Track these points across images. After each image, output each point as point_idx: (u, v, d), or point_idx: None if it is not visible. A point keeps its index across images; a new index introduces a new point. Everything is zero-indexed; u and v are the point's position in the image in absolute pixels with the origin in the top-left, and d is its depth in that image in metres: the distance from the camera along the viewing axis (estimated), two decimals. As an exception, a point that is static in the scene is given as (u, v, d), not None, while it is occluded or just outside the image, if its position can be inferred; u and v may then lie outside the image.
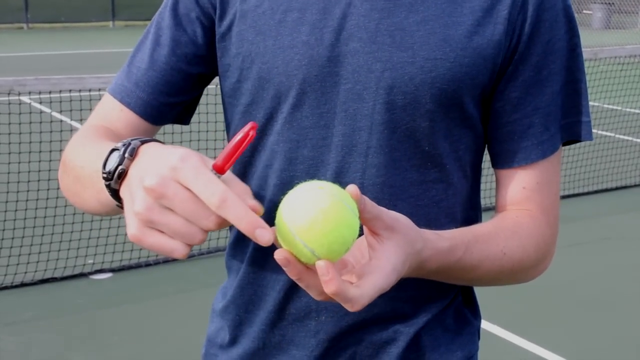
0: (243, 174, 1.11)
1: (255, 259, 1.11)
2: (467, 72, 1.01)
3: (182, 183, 0.76)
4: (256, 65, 1.05)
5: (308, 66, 1.03)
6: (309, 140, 1.05)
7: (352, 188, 0.80)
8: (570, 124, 1.09)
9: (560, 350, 3.69)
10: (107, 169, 0.85)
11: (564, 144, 1.11)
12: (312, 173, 1.05)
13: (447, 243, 0.96)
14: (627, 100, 8.15)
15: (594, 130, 1.24)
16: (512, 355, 3.66)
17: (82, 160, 0.99)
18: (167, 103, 1.11)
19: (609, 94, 7.90)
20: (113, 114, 1.11)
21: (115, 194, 0.86)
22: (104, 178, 0.86)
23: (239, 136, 0.77)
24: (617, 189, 6.51)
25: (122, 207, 0.85)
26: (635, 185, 6.61)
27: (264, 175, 1.08)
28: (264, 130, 1.07)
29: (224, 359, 1.18)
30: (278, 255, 0.79)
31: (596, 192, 6.36)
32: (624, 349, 3.74)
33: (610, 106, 8.25)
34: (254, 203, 0.78)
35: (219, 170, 0.77)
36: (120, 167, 0.84)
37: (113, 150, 0.86)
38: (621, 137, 7.77)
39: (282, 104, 1.05)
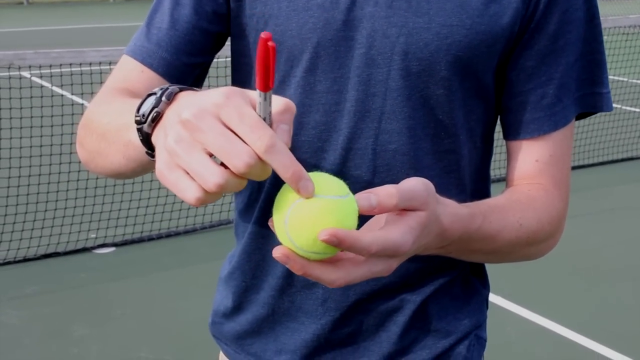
0: None
1: (262, 224, 1.10)
2: (483, 39, 0.99)
3: (224, 121, 0.71)
4: (269, 27, 1.03)
5: (323, 29, 1.01)
6: (321, 105, 1.03)
7: (381, 194, 0.78)
8: (586, 96, 1.07)
9: (564, 320, 3.69)
10: (142, 111, 0.82)
11: (581, 117, 1.09)
12: (324, 138, 1.03)
13: (466, 210, 0.94)
14: (632, 72, 8.10)
15: None
16: (516, 326, 3.66)
17: (109, 117, 0.97)
18: (189, 64, 1.09)
19: (613, 65, 7.84)
20: (133, 75, 1.08)
21: (146, 139, 0.82)
22: (136, 121, 0.82)
23: (260, 54, 0.70)
24: (622, 160, 6.49)
25: (151, 156, 0.83)
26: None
27: None
28: (276, 94, 1.05)
29: (231, 327, 1.17)
30: (276, 253, 0.76)
31: (602, 163, 6.35)
32: (628, 319, 3.74)
33: (616, 77, 8.20)
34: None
35: (264, 89, 0.71)
36: (155, 110, 0.80)
37: (150, 94, 0.83)
38: (627, 108, 7.73)
39: (294, 68, 1.03)
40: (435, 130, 1.03)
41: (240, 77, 1.12)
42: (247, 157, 0.69)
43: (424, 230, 0.83)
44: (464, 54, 0.99)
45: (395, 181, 1.02)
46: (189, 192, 0.72)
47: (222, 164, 0.71)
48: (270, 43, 0.69)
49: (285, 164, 0.71)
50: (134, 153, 0.87)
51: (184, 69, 1.08)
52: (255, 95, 0.73)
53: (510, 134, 1.08)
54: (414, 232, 0.81)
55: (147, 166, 0.92)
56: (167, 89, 0.82)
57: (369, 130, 1.02)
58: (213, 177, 0.70)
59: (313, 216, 0.74)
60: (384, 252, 0.78)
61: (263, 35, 0.69)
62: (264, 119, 0.72)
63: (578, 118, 1.09)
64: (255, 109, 0.72)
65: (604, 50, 1.08)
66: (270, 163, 0.70)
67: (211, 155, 0.71)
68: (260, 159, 0.70)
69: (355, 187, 1.02)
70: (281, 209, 0.76)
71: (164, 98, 0.81)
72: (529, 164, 1.06)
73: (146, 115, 0.81)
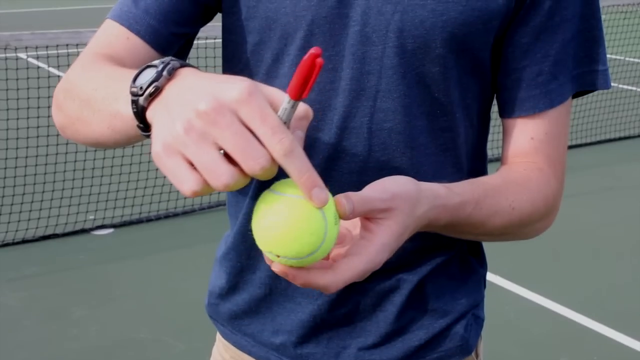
0: None
1: None
2: (478, 15, 0.98)
3: (243, 119, 0.70)
4: (263, 4, 1.02)
5: (317, 7, 0.99)
6: (316, 84, 1.01)
7: (336, 198, 0.79)
8: (583, 74, 1.06)
9: (562, 299, 3.70)
10: (139, 83, 0.79)
11: (578, 95, 1.08)
12: (319, 117, 1.02)
13: (457, 199, 0.94)
14: (629, 50, 8.08)
15: None
16: (515, 305, 3.67)
17: (95, 83, 0.94)
18: (176, 33, 1.07)
19: (610, 43, 7.82)
20: (118, 42, 1.05)
21: (140, 113, 0.80)
22: (132, 92, 0.80)
23: (304, 64, 0.70)
24: (620, 139, 6.49)
25: (142, 130, 0.81)
26: (638, 136, 6.58)
27: None
28: (269, 72, 1.04)
29: (227, 307, 1.17)
30: (275, 268, 0.79)
31: (599, 142, 6.35)
32: (626, 297, 3.75)
33: (613, 56, 8.18)
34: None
35: (296, 97, 0.71)
36: (155, 84, 0.78)
37: (148, 66, 0.81)
38: (624, 87, 7.72)
39: (289, 46, 1.02)
40: (431, 108, 1.02)
41: (227, 54, 1.10)
42: (264, 160, 0.69)
43: (401, 237, 0.86)
44: (460, 31, 0.98)
45: (391, 160, 1.02)
46: (187, 184, 0.70)
47: (230, 160, 0.70)
48: (318, 60, 0.69)
49: (302, 169, 0.71)
50: (121, 125, 0.84)
51: (171, 38, 1.06)
52: (274, 93, 0.72)
53: (506, 112, 1.07)
54: (386, 250, 0.84)
55: (133, 139, 0.90)
56: (169, 63, 0.80)
57: (364, 109, 1.01)
58: (224, 176, 0.69)
59: (285, 218, 0.75)
60: (353, 280, 0.82)
61: (314, 50, 0.69)
62: (284, 123, 0.71)
63: (576, 96, 1.08)
64: (275, 110, 0.71)
65: (601, 27, 1.06)
66: (287, 167, 0.70)
67: (220, 149, 0.70)
68: (274, 161, 0.70)
69: (351, 166, 1.02)
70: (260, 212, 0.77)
71: (165, 73, 0.78)
72: (525, 141, 1.06)
73: (144, 87, 0.79)
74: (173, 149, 0.71)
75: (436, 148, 1.04)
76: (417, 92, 1.01)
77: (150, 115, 0.79)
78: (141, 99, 0.79)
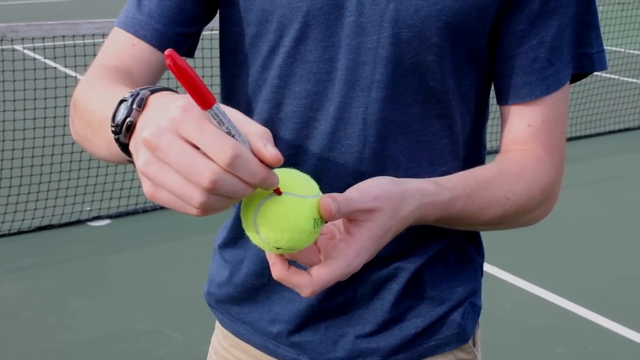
0: (245, 109, 1.07)
1: None
2: (473, 3, 0.98)
3: (184, 136, 0.69)
4: None
5: None
6: (312, 75, 1.02)
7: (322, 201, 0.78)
8: (580, 56, 1.06)
9: (558, 289, 3.71)
10: (116, 121, 0.80)
11: (576, 79, 1.08)
12: (316, 108, 1.02)
13: (447, 195, 0.94)
14: (629, 42, 8.07)
15: (595, 73, 1.19)
16: (510, 296, 3.68)
17: (93, 104, 0.94)
18: (182, 34, 1.07)
19: (610, 35, 7.82)
20: (124, 50, 1.06)
21: (125, 148, 0.81)
22: (112, 132, 0.80)
23: (177, 76, 0.67)
24: (619, 131, 6.49)
25: (133, 163, 0.80)
26: (638, 128, 6.58)
27: (265, 110, 1.05)
28: (266, 64, 1.04)
29: (226, 296, 1.17)
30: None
31: (598, 134, 6.35)
32: (622, 288, 3.76)
33: (612, 48, 8.17)
34: (274, 152, 0.71)
35: (204, 106, 0.68)
36: (128, 120, 0.78)
37: (122, 101, 0.81)
38: (624, 79, 7.71)
39: (284, 37, 1.02)
40: (426, 97, 1.02)
41: (229, 46, 1.10)
42: (209, 173, 0.67)
43: (382, 239, 0.85)
44: (455, 20, 0.98)
45: (387, 149, 1.02)
46: (185, 209, 0.71)
47: None
48: (168, 62, 0.66)
49: (253, 172, 0.69)
50: (116, 151, 0.84)
51: (177, 39, 1.07)
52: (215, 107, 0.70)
53: (503, 99, 1.07)
54: (366, 252, 0.84)
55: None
56: (138, 94, 0.79)
57: (359, 99, 1.01)
58: (195, 195, 0.69)
59: (278, 212, 0.75)
60: (330, 284, 0.83)
61: (166, 52, 0.66)
62: (228, 133, 0.69)
63: (573, 80, 1.08)
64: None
65: (595, 10, 1.06)
66: (237, 174, 0.68)
67: None
68: (227, 171, 0.68)
69: (347, 156, 1.02)
70: (249, 205, 0.77)
71: (134, 106, 0.78)
72: (522, 128, 1.05)
73: (119, 125, 0.79)
74: (153, 185, 0.72)
75: (432, 136, 1.04)
76: (411, 80, 1.01)
77: (132, 149, 0.79)
78: (121, 137, 0.80)
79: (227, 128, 0.69)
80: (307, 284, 0.81)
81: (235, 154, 0.67)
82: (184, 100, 0.70)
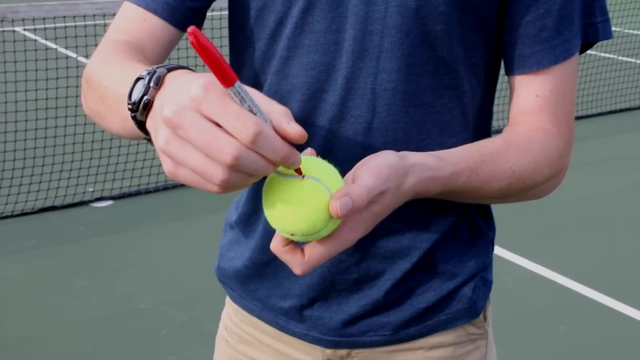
0: (253, 83, 1.07)
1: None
2: None
3: (206, 115, 0.69)
4: None
5: None
6: (320, 45, 1.01)
7: (336, 201, 0.77)
8: (583, 27, 1.06)
9: (560, 268, 3.72)
10: (133, 99, 0.80)
11: (582, 49, 1.08)
12: (324, 79, 1.02)
13: (449, 169, 0.93)
14: (627, 21, 8.04)
15: (595, 53, 1.18)
16: (514, 275, 3.69)
17: (107, 80, 0.94)
18: (192, 7, 1.07)
19: (609, 15, 7.77)
20: (135, 25, 1.06)
21: (142, 126, 0.80)
22: (129, 109, 0.80)
23: (200, 54, 0.68)
24: (620, 111, 6.48)
25: (150, 141, 0.81)
26: (638, 108, 6.57)
27: (274, 82, 1.05)
28: (274, 36, 1.04)
29: (237, 271, 1.17)
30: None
31: (599, 114, 6.34)
32: (621, 266, 3.77)
33: (612, 28, 8.14)
34: (297, 128, 0.70)
35: (226, 84, 0.69)
36: (145, 98, 0.78)
37: (138, 79, 0.80)
38: (623, 58, 7.69)
39: (292, 8, 1.02)
40: (435, 67, 1.01)
41: (238, 19, 1.10)
42: (232, 149, 0.67)
43: (368, 222, 0.85)
44: None
45: (396, 120, 1.01)
46: (207, 186, 0.71)
47: None
48: (191, 39, 0.65)
49: (275, 148, 0.69)
50: (132, 129, 0.83)
51: (188, 13, 1.07)
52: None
53: (511, 69, 1.06)
54: (350, 235, 0.83)
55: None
56: (155, 72, 0.79)
57: (368, 69, 1.00)
58: (217, 172, 0.69)
59: (298, 196, 0.76)
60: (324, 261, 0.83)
61: (189, 30, 0.66)
62: (250, 110, 0.69)
63: (581, 52, 1.08)
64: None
65: None
66: (260, 151, 0.68)
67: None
68: (249, 147, 0.68)
69: (356, 127, 1.02)
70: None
71: (152, 84, 0.78)
72: (530, 99, 1.05)
73: (137, 103, 0.79)
74: (173, 163, 0.71)
75: (441, 107, 1.04)
76: (420, 50, 1.00)
77: (149, 127, 0.79)
78: (138, 115, 0.79)
79: (248, 106, 0.69)
80: (299, 263, 0.82)
81: (258, 131, 0.67)
82: (205, 78, 0.70)
